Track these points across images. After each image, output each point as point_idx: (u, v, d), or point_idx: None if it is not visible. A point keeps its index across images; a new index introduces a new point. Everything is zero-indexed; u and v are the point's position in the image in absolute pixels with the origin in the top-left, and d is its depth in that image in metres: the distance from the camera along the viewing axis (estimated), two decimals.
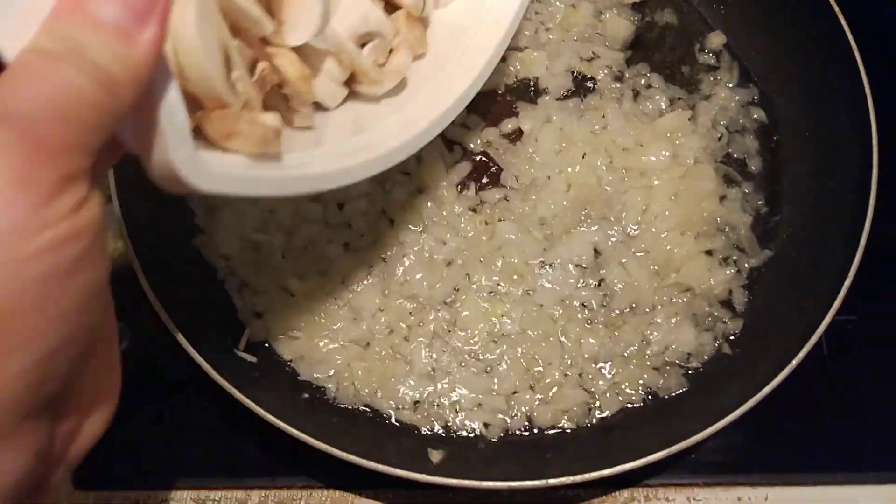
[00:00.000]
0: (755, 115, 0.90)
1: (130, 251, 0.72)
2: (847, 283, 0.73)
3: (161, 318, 0.70)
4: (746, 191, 0.86)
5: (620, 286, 0.81)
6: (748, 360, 0.78)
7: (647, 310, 0.80)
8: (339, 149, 0.60)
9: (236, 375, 0.71)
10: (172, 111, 0.41)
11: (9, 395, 0.35)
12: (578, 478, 0.67)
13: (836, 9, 0.83)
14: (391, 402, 0.77)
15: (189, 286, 0.79)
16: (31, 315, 0.35)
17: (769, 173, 0.88)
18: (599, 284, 0.81)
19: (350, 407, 0.77)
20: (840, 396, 0.82)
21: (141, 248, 0.73)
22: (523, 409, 0.77)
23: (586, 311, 0.80)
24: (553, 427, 0.77)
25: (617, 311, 0.80)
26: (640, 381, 0.78)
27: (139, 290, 0.71)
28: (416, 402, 0.77)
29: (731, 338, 0.80)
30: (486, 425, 0.77)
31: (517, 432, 0.77)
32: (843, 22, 0.83)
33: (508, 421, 0.77)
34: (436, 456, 0.73)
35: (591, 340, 0.79)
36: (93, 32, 0.37)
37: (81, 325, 0.39)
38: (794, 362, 0.70)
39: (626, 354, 0.79)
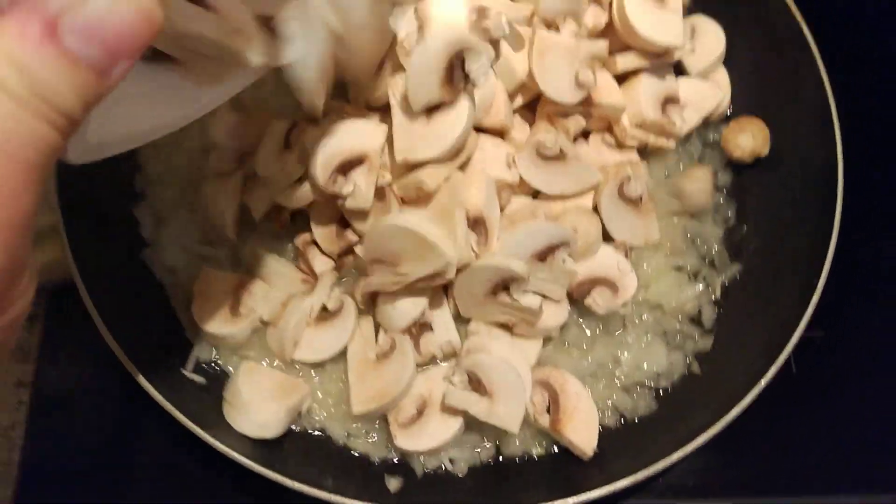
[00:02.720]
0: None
1: (72, 265, 0.68)
2: (815, 298, 0.72)
3: (103, 337, 0.66)
4: (720, 201, 0.85)
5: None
6: (717, 380, 0.75)
7: (617, 330, 0.77)
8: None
9: (182, 398, 0.67)
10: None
11: None
12: None
13: (806, 31, 0.82)
14: (346, 429, 0.73)
15: (134, 302, 0.74)
16: None
17: (738, 186, 0.86)
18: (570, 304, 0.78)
19: (301, 431, 0.73)
20: (809, 416, 0.81)
21: (83, 262, 0.69)
22: (492, 439, 0.73)
23: (557, 331, 0.77)
24: (521, 454, 0.74)
25: (588, 332, 0.77)
26: (609, 402, 0.76)
27: (81, 307, 0.67)
28: (369, 432, 0.73)
29: (701, 356, 0.78)
30: (451, 461, 0.72)
31: (484, 461, 0.73)
32: (810, 40, 0.82)
33: (478, 452, 0.73)
34: (393, 484, 0.69)
35: (561, 360, 0.75)
36: (64, 72, 0.30)
37: None
38: (763, 382, 0.69)
39: (595, 375, 0.76)
